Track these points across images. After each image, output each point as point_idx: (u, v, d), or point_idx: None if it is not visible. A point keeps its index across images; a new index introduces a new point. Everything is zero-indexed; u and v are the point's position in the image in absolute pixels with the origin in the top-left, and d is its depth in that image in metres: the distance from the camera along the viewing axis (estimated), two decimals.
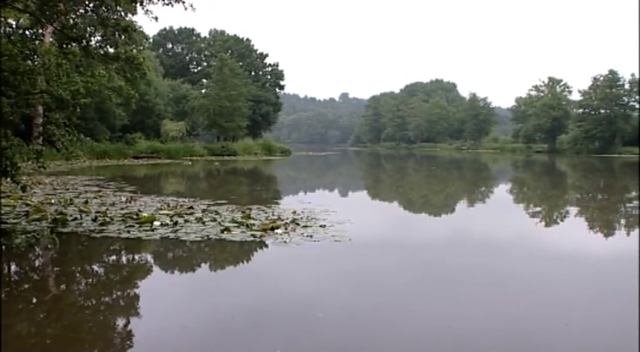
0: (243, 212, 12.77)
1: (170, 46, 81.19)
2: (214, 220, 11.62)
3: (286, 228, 10.83)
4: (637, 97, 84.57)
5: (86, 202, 13.87)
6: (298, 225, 11.33)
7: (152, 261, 9.12)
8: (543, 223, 14.89)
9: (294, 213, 12.92)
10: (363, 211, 16.04)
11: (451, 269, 8.64)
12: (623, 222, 15.27)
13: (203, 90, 62.24)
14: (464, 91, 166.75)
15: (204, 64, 78.26)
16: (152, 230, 10.50)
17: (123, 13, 15.58)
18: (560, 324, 6.02)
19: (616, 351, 5.34)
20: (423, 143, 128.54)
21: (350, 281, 7.79)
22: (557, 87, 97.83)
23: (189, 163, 38.78)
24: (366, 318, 6.18)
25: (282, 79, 78.47)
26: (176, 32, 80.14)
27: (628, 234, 13.21)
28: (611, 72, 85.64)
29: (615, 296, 7.25)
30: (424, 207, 18.36)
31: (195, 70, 79.65)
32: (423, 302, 6.84)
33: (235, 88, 55.31)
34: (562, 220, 15.36)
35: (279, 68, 77.92)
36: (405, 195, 22.33)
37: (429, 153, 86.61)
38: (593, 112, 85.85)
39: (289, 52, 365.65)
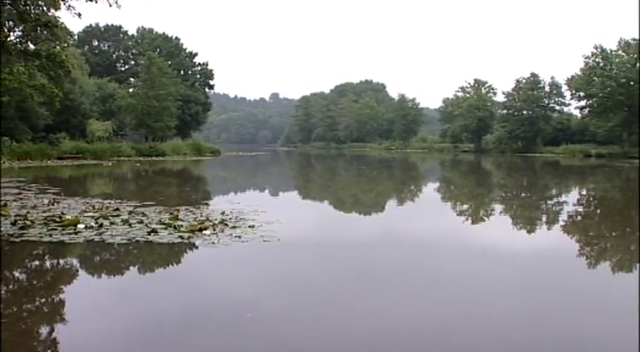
0: (171, 213, 12.60)
1: (96, 43, 78.87)
2: (141, 222, 11.41)
3: (215, 229, 10.75)
4: (556, 99, 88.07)
5: (5, 205, 13.33)
6: (227, 225, 11.27)
7: (77, 265, 8.87)
8: (470, 221, 15.31)
9: (223, 213, 12.84)
10: (292, 211, 16.09)
11: (381, 267, 8.77)
12: (544, 218, 15.87)
13: (131, 90, 60.86)
14: (393, 92, 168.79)
15: (132, 62, 76.60)
16: (76, 233, 10.19)
17: (45, 8, 14.94)
18: (483, 318, 6.24)
19: (533, 344, 5.56)
20: (353, 143, 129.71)
21: (279, 282, 7.81)
22: (483, 88, 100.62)
23: (110, 164, 37.73)
24: (296, 318, 6.22)
25: (212, 79, 77.76)
26: (102, 29, 77.90)
27: (549, 229, 13.78)
28: (533, 75, 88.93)
29: (537, 291, 7.55)
30: (354, 207, 18.55)
31: (123, 69, 77.80)
32: (352, 301, 6.90)
33: (164, 88, 54.44)
34: (487, 218, 15.86)
35: (209, 67, 77.26)
36: (335, 195, 22.54)
37: (359, 153, 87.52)
38: (516, 113, 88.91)
39: (219, 52, 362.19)
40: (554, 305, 6.82)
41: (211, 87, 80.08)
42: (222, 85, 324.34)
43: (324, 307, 6.63)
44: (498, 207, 18.46)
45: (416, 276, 8.25)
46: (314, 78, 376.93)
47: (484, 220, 15.48)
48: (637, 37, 70.00)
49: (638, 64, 50.14)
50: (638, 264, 9.37)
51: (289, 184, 30.08)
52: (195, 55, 76.37)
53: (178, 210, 13.11)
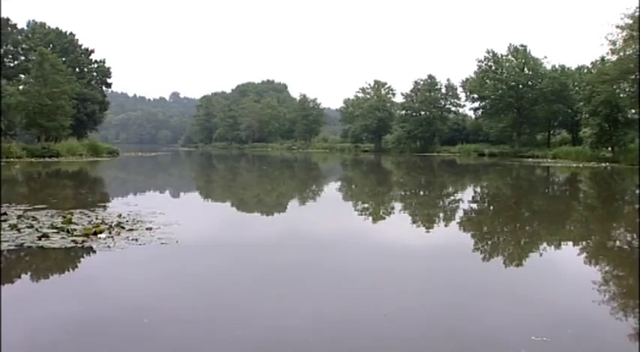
0: (64, 217, 12.05)
1: None
2: (31, 227, 10.84)
3: (110, 232, 10.38)
4: (452, 101, 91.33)
5: None
6: (123, 228, 10.91)
7: None
8: (371, 219, 15.56)
9: (120, 216, 12.44)
10: (192, 212, 15.80)
11: (282, 267, 8.73)
12: (442, 215, 16.37)
13: (21, 87, 57.74)
14: (295, 92, 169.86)
15: (22, 58, 72.67)
16: None
17: None
18: (379, 315, 6.33)
19: (427, 340, 5.70)
20: (255, 143, 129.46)
21: (177, 285, 7.60)
22: (382, 89, 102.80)
23: None
24: (194, 321, 6.06)
25: (110, 77, 74.99)
26: None
27: (446, 226, 14.21)
28: (430, 77, 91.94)
29: (434, 286, 7.76)
30: (256, 207, 18.44)
31: (12, 65, 73.72)
32: (252, 302, 6.80)
33: (57, 85, 51.98)
34: (388, 216, 16.17)
35: (106, 65, 74.48)
36: (237, 195, 22.35)
37: (261, 153, 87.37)
38: (414, 114, 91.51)
39: (117, 49, 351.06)
40: (451, 300, 7.03)
41: (109, 85, 77.22)
42: (121, 83, 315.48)
43: (224, 309, 6.52)
44: (398, 205, 18.89)
45: (317, 275, 8.28)
46: (215, 77, 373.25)
47: (384, 218, 15.78)
48: (524, 44, 74.00)
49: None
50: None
51: (189, 185, 29.56)
52: (92, 51, 73.43)
53: (72, 214, 12.57)
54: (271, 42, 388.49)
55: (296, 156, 74.47)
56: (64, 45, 69.62)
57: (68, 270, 8.49)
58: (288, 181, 30.79)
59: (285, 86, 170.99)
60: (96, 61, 73.85)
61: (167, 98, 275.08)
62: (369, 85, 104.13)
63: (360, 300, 6.93)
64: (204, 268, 8.61)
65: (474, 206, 18.96)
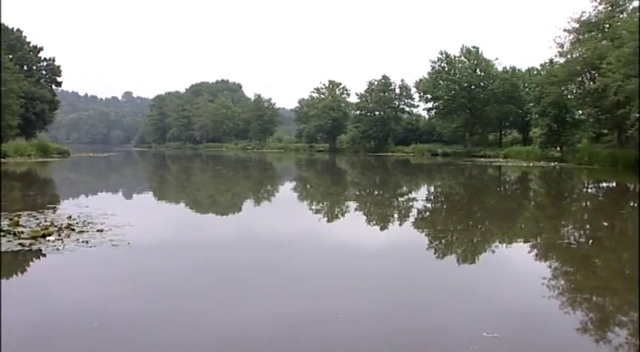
0: (11, 219, 11.72)
1: None
2: None
3: (60, 235, 10.13)
4: (406, 101, 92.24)
5: None
6: (73, 230, 10.66)
7: None
8: (326, 219, 15.58)
9: (70, 218, 12.15)
10: (144, 213, 15.56)
11: (236, 268, 8.67)
12: (396, 215, 16.49)
13: None
14: (249, 92, 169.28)
15: None
16: None
17: None
18: (331, 314, 6.34)
19: (379, 338, 5.72)
20: (209, 143, 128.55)
21: (128, 287, 7.45)
22: (337, 90, 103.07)
23: None
24: (147, 323, 5.97)
25: (59, 75, 73.25)
26: None
27: (401, 225, 14.33)
28: (384, 77, 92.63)
29: (386, 286, 7.80)
30: (210, 208, 18.27)
31: None
32: (206, 303, 6.73)
33: (5, 84, 50.67)
34: (343, 215, 16.21)
35: (56, 63, 72.77)
36: (191, 196, 22.10)
37: (215, 153, 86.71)
38: (368, 114, 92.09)
39: (67, 47, 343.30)
40: (404, 298, 7.09)
41: (59, 84, 75.43)
42: (72, 82, 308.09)
43: (177, 311, 6.41)
44: (353, 205, 18.94)
45: (271, 276, 8.22)
46: (169, 77, 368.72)
47: (339, 218, 15.83)
48: (476, 45, 75.27)
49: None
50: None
51: (142, 186, 29.09)
52: (41, 49, 71.61)
53: (20, 216, 12.24)
54: (226, 41, 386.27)
55: (250, 156, 74.15)
56: (10, 42, 67.64)
57: (15, 274, 8.23)
58: (242, 181, 30.61)
59: (239, 86, 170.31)
60: (45, 59, 72.05)
61: (120, 97, 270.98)
62: (324, 85, 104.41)
63: (313, 300, 6.92)
64: (156, 270, 8.46)
65: (428, 205, 19.16)
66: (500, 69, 74.14)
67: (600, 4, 48.57)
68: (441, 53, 76.11)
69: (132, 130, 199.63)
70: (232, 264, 9.01)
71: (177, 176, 36.71)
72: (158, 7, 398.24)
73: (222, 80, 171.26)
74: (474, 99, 72.63)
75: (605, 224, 15.31)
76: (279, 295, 7.15)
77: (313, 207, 18.88)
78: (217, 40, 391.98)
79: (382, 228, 13.73)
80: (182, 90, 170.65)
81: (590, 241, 12.40)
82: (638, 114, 39.23)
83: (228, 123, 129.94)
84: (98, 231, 10.71)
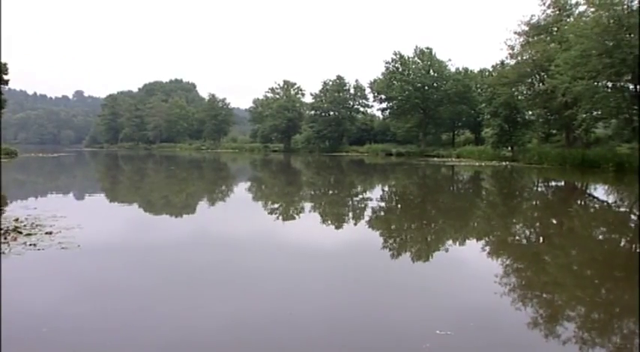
0: None
1: None
2: None
3: (6, 238, 9.84)
4: (361, 101, 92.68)
5: None
6: (21, 233, 10.38)
7: None
8: (281, 219, 15.52)
9: (17, 220, 11.84)
10: (95, 215, 15.25)
11: (189, 269, 8.56)
12: (351, 214, 16.55)
13: None
14: (203, 92, 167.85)
15: None
16: None
17: None
18: (285, 314, 6.32)
19: (333, 336, 5.72)
20: (163, 143, 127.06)
21: (78, 291, 7.28)
22: (292, 90, 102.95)
23: None
24: (97, 327, 5.83)
25: (6, 73, 71.02)
26: None
27: (355, 225, 14.37)
28: (339, 77, 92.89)
29: (341, 285, 7.82)
30: (164, 208, 18.00)
31: None
32: (158, 305, 6.63)
33: None
34: (298, 215, 16.19)
35: (2, 61, 70.79)
36: (143, 197, 21.78)
37: (169, 154, 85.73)
38: (323, 114, 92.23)
39: (13, 44, 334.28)
40: (358, 296, 7.11)
41: (5, 82, 73.34)
42: (19, 80, 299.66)
43: (128, 314, 6.31)
44: (308, 205, 18.94)
45: (225, 276, 8.16)
46: (121, 76, 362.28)
47: (294, 218, 15.80)
48: (430, 46, 76.15)
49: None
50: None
51: (93, 187, 28.49)
52: None
53: None
54: (180, 40, 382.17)
55: (205, 156, 73.49)
56: None
57: None
58: (196, 182, 30.30)
59: (193, 85, 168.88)
60: None
61: (70, 97, 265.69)
62: (279, 85, 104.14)
63: (266, 299, 6.89)
64: (107, 272, 8.28)
65: (382, 204, 19.28)
66: (453, 70, 75.14)
67: (549, 8, 49.90)
68: (395, 54, 76.76)
69: (83, 130, 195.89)
70: (185, 265, 8.88)
71: (130, 176, 36.13)
72: (110, 5, 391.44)
73: (176, 79, 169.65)
74: (427, 100, 73.43)
75: (554, 222, 15.66)
76: (231, 295, 7.09)
77: (268, 207, 18.80)
78: (171, 39, 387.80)
79: (337, 228, 13.76)
80: (135, 89, 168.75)
81: (540, 238, 12.66)
82: (584, 115, 40.26)
83: (182, 123, 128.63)
84: (47, 233, 10.46)
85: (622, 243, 12.25)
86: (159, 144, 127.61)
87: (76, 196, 22.03)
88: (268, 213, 16.70)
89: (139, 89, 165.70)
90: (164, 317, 6.16)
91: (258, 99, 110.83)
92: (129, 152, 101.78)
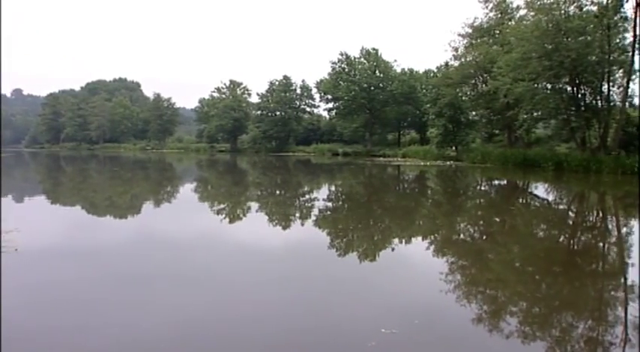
0: None
1: None
2: None
3: None
4: (307, 101, 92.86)
5: None
6: None
7: None
8: (227, 219, 15.41)
9: None
10: (35, 218, 14.81)
11: (133, 272, 8.43)
12: (298, 214, 16.55)
13: None
14: (148, 91, 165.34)
15: None
16: None
17: None
18: (230, 313, 6.30)
19: (279, 336, 5.72)
20: (107, 143, 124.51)
21: (14, 296, 7.08)
22: (238, 89, 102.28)
23: None
24: (35, 332, 5.69)
25: None
26: None
27: (302, 225, 14.39)
28: (285, 77, 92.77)
29: (287, 285, 7.82)
30: (107, 210, 17.62)
31: None
32: (101, 310, 6.49)
33: None
34: (244, 215, 16.13)
35: None
36: (86, 199, 21.30)
37: (113, 154, 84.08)
38: (270, 114, 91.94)
39: None
40: (304, 296, 7.13)
41: None
42: None
43: (68, 318, 6.16)
44: (255, 205, 18.87)
45: (170, 278, 8.05)
46: (63, 74, 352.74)
47: (241, 218, 15.72)
48: (376, 47, 76.82)
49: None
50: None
51: (33, 189, 27.66)
52: None
53: None
54: (123, 38, 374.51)
55: (150, 156, 72.38)
56: None
57: None
58: (141, 183, 29.81)
59: (138, 85, 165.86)
60: None
61: (8, 95, 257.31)
62: (225, 84, 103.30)
63: (212, 300, 6.85)
64: (46, 277, 8.05)
65: (329, 204, 19.35)
66: (398, 70, 75.99)
67: (491, 11, 51.07)
68: (342, 54, 77.14)
69: (23, 130, 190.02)
70: (129, 267, 8.74)
71: (72, 178, 35.26)
72: (48, 3, 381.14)
73: (120, 78, 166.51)
74: (373, 100, 74.06)
75: (497, 219, 16.01)
76: (177, 298, 7.01)
77: (214, 207, 18.63)
78: (114, 37, 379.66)
79: (284, 228, 13.75)
80: (77, 88, 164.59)
81: (484, 236, 12.92)
82: (525, 116, 41.28)
83: (126, 123, 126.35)
84: None
85: (561, 239, 12.62)
86: (102, 144, 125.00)
87: (15, 198, 21.34)
88: (214, 214, 16.56)
89: (82, 88, 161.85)
90: (105, 322, 6.04)
91: (204, 99, 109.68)
92: (71, 152, 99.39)
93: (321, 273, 8.59)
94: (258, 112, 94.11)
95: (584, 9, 36.10)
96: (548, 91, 39.06)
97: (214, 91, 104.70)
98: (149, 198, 21.78)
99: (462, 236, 12.91)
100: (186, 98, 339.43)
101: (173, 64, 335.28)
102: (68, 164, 55.07)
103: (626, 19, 35.31)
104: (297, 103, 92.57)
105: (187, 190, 25.83)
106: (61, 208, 18.46)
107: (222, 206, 19.01)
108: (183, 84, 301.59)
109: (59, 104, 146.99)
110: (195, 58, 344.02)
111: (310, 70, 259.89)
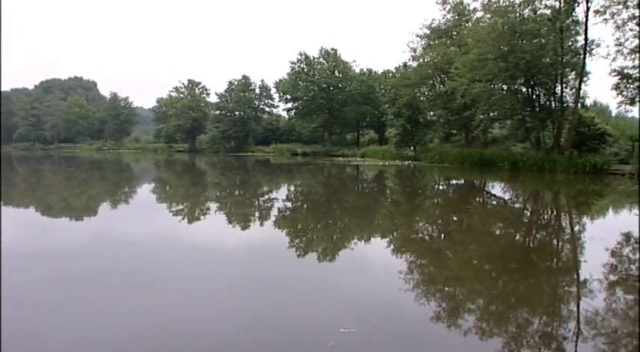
0: None
1: None
2: None
3: None
4: (266, 101, 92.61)
5: None
6: None
7: None
8: (186, 220, 15.27)
9: None
10: None
11: (89, 274, 8.28)
12: (257, 214, 16.50)
13: None
14: (105, 90, 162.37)
15: None
16: None
17: None
18: (188, 314, 6.26)
19: (237, 336, 5.70)
20: (62, 143, 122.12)
21: None
22: (197, 89, 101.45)
23: None
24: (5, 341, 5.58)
25: None
26: None
27: (261, 225, 14.35)
28: (244, 77, 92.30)
29: (246, 286, 7.80)
30: (62, 212, 17.29)
31: None
32: (54, 314, 6.40)
33: None
34: (203, 216, 16.01)
35: None
36: (41, 200, 20.85)
37: (68, 154, 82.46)
38: (228, 114, 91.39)
39: None
40: (263, 297, 7.12)
41: None
42: None
43: (23, 322, 6.05)
44: (213, 206, 18.75)
45: (129, 282, 7.95)
46: (14, 72, 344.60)
47: (199, 219, 15.60)
48: (335, 47, 77.09)
49: None
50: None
51: None
52: None
53: None
54: (79, 36, 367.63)
55: (107, 157, 71.24)
56: None
57: None
58: (98, 184, 29.32)
59: (94, 84, 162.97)
60: None
61: None
62: (183, 84, 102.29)
63: (169, 300, 6.80)
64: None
65: (288, 204, 19.35)
66: (357, 71, 76.45)
67: (449, 12, 51.75)
68: (301, 54, 77.17)
69: None
70: (84, 270, 8.59)
71: (26, 179, 34.44)
72: None
73: (76, 77, 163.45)
74: (332, 100, 74.30)
75: (455, 218, 16.23)
76: (137, 302, 6.94)
77: (172, 209, 18.44)
78: (70, 35, 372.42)
79: (242, 228, 13.70)
80: (31, 86, 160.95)
81: (442, 235, 13.09)
82: (482, 116, 41.93)
83: (82, 123, 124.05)
84: None
85: (517, 237, 12.87)
86: (57, 144, 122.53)
87: None
88: (172, 215, 16.40)
89: (36, 86, 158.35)
90: (58, 328, 5.95)
91: (162, 98, 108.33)
92: (24, 153, 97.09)
93: (280, 274, 8.59)
94: (217, 112, 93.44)
95: (539, 12, 36.88)
96: (504, 92, 39.80)
97: (172, 91, 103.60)
98: (106, 199, 21.44)
99: (420, 235, 13.05)
100: (144, 98, 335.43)
101: (130, 63, 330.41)
102: (21, 164, 53.81)
103: (577, 22, 36.17)
104: (256, 103, 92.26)
105: (145, 191, 25.52)
106: (12, 210, 18.02)
107: (180, 207, 18.83)
108: (141, 83, 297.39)
109: (11, 103, 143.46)
110: (153, 57, 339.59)
111: (269, 69, 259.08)
